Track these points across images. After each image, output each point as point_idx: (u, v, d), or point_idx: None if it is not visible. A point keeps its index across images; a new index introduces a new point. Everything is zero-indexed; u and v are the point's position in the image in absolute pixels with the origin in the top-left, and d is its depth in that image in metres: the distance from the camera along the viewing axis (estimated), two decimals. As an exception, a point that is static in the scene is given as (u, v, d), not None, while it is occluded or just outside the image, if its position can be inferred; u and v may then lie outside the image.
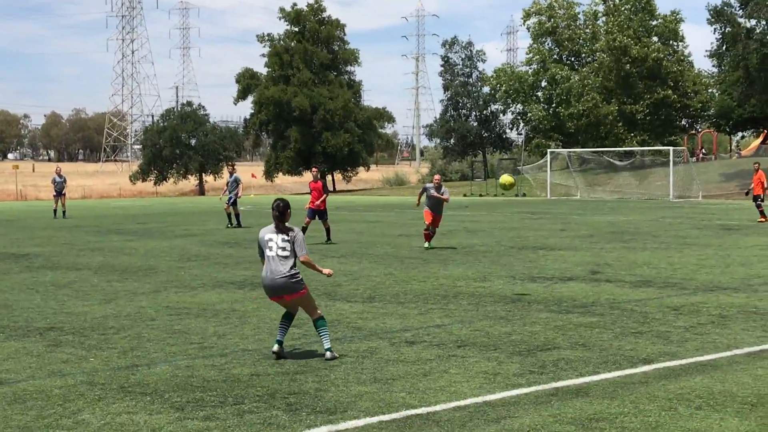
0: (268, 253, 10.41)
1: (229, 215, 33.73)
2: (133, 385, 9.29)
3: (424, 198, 24.66)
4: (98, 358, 10.65)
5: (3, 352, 11.08)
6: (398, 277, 18.04)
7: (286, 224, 10.55)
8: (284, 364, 10.21)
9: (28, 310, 14.32)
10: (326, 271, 10.87)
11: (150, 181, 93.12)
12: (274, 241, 10.43)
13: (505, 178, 25.39)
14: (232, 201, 33.67)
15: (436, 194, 23.92)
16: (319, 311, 10.59)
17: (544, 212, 43.56)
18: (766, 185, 35.04)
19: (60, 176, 42.18)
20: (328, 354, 10.33)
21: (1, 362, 10.49)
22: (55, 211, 41.32)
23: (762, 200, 35.06)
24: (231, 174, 35.10)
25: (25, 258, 22.71)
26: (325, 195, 26.96)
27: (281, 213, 10.49)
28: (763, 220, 33.82)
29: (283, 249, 10.36)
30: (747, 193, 36.18)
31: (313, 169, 29.30)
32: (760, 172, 35.15)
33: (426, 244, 24.02)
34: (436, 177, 26.07)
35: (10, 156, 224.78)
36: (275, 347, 10.50)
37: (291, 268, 10.31)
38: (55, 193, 42.02)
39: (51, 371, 9.97)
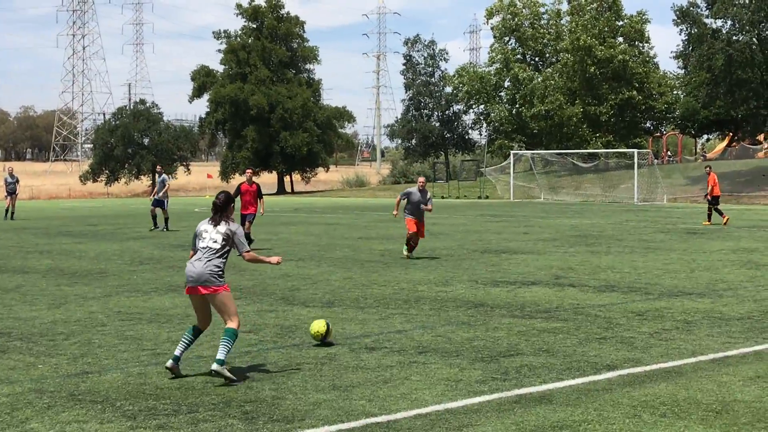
0: (199, 244, 10.08)
1: (154, 217, 33.34)
2: (84, 393, 9.21)
3: (404, 203, 22.63)
4: (47, 365, 10.55)
5: (-53, 358, 10.97)
6: (358, 281, 18.02)
7: (229, 220, 10.24)
8: (241, 369, 10.16)
9: (-26, 315, 14.19)
10: (274, 259, 10.68)
11: (101, 181, 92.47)
12: (208, 232, 10.11)
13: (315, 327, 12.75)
14: (157, 203, 33.29)
15: (423, 204, 22.20)
16: (234, 323, 9.90)
17: (507, 215, 43.73)
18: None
19: (12, 176, 41.80)
20: (214, 365, 9.58)
21: (-55, 369, 10.39)
22: (6, 210, 40.87)
23: (717, 202, 36.42)
24: (159, 174, 34.78)
25: (-30, 261, 22.49)
26: (260, 200, 24.88)
27: (222, 204, 10.16)
28: (713, 221, 35.17)
29: (215, 241, 10.00)
30: (705, 197, 37.05)
31: (248, 171, 27.40)
32: (712, 175, 36.50)
33: (406, 252, 22.41)
34: (421, 179, 23.27)
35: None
36: (169, 363, 9.94)
37: (218, 263, 9.93)
38: (6, 194, 41.64)
39: (-3, 379, 9.88)
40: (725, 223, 34.62)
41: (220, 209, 10.17)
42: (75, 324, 13.31)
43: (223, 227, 10.09)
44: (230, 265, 20.93)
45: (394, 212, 23.43)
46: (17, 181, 42.74)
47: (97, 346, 11.69)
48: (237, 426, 8.03)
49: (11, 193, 41.42)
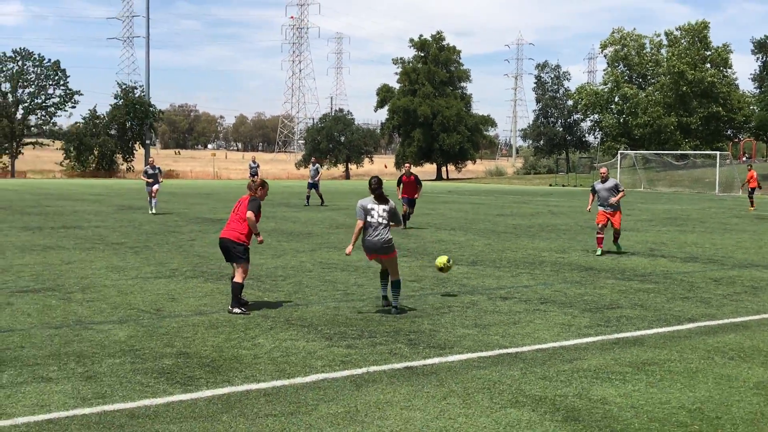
0: (370, 219, 10.02)
1: (308, 197, 32.85)
2: (295, 319, 9.53)
3: (595, 199, 17.54)
4: (270, 298, 10.95)
5: (202, 290, 11.49)
6: (495, 247, 17.95)
7: (387, 197, 10.27)
8: (406, 309, 10.29)
9: (220, 260, 14.70)
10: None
11: (310, 167, 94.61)
12: (375, 210, 10.07)
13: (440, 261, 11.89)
14: (311, 186, 32.62)
15: (612, 195, 17.03)
16: (398, 275, 10.18)
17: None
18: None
19: (254, 162, 42.89)
20: (393, 310, 9.98)
21: (201, 298, 10.89)
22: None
23: (753, 193, 36.29)
24: (314, 164, 33.49)
25: (219, 222, 23.35)
26: (419, 188, 22.48)
27: (379, 186, 10.21)
28: (751, 209, 34.67)
29: (383, 218, 10.04)
30: (741, 186, 36.57)
31: (406, 165, 24.45)
32: (752, 171, 36.61)
33: (599, 250, 17.05)
34: (603, 170, 17.70)
35: (209, 146, 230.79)
36: (383, 302, 10.40)
37: (388, 233, 10.03)
38: (250, 176, 42.68)
39: (235, 307, 10.30)
40: (751, 209, 34.31)
41: (380, 189, 10.21)
42: (290, 270, 13.73)
43: (386, 205, 10.13)
44: (397, 232, 21.23)
45: (588, 207, 18.45)
46: (258, 166, 43.71)
47: (305, 286, 12.05)
48: (403, 349, 8.17)
49: (253, 175, 42.37)
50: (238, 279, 9.93)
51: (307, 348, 8.12)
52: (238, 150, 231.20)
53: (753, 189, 36.13)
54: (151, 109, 76.93)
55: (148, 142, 77.56)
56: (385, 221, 10.06)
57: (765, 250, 18.22)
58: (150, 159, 28.49)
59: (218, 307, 10.26)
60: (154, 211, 24.91)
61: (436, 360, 7.74)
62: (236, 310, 9.80)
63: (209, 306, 10.31)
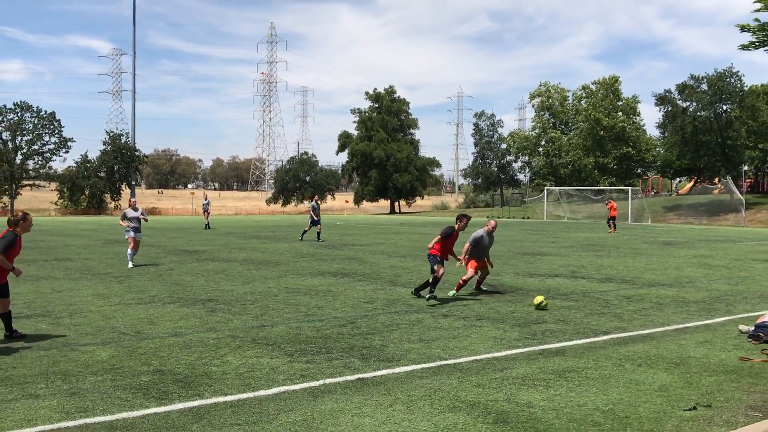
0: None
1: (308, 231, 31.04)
2: (261, 339, 9.42)
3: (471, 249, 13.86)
4: (239, 320, 10.81)
5: (178, 314, 11.31)
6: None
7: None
8: (360, 327, 10.23)
9: (196, 287, 14.58)
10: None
11: (279, 203, 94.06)
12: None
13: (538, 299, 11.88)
14: (313, 223, 29.98)
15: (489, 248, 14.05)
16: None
17: (541, 230, 43.03)
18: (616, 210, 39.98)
19: (206, 199, 42.09)
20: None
21: (177, 321, 10.71)
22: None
23: (613, 220, 39.19)
24: (314, 201, 31.12)
25: (195, 253, 23.11)
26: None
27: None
28: (612, 231, 38.22)
29: None
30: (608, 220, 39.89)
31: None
32: (612, 203, 39.96)
33: (453, 292, 13.59)
34: (492, 222, 14.32)
35: (189, 186, 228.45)
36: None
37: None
38: (203, 211, 41.96)
39: (208, 328, 10.14)
40: (610, 232, 37.88)
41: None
42: (258, 294, 13.58)
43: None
44: (353, 257, 21.19)
45: (460, 262, 13.74)
46: (209, 203, 42.93)
47: (271, 308, 11.92)
48: (356, 362, 8.11)
49: (205, 211, 42.07)
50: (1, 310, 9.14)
51: (271, 364, 8.02)
52: (215, 189, 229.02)
53: (613, 217, 39.26)
54: (136, 153, 76.05)
55: (133, 183, 76.66)
56: None
57: (669, 272, 18.54)
58: (132, 200, 19.60)
59: (192, 329, 10.10)
60: (131, 265, 18.29)
61: (384, 372, 7.70)
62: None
63: (184, 328, 10.14)
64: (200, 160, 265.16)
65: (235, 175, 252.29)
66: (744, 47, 55.67)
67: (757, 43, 54.94)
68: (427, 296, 12.61)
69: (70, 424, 5.94)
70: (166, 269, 18.01)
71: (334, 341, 9.26)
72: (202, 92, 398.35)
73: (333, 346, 8.93)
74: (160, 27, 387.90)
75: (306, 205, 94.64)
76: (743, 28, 54.36)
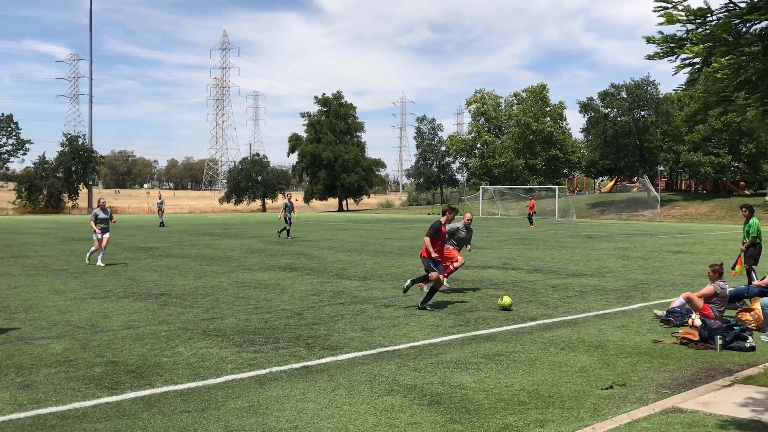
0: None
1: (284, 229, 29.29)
2: (211, 331, 9.29)
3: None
4: (190, 314, 10.64)
5: (132, 308, 11.06)
6: (383, 265, 18.02)
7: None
8: (306, 318, 10.18)
9: (149, 282, 14.29)
10: None
11: (232, 202, 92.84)
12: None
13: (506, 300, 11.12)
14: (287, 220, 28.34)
15: (468, 242, 13.68)
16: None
17: (477, 225, 43.52)
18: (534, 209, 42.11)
19: (160, 198, 41.54)
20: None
21: (130, 315, 10.47)
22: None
23: (532, 216, 41.42)
24: (288, 199, 29.50)
25: (150, 250, 22.65)
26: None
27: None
28: (533, 227, 39.37)
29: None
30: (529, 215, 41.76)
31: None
32: (532, 200, 42.37)
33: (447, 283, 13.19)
34: (468, 215, 13.98)
35: (145, 186, 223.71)
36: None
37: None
38: (157, 210, 41.67)
39: (161, 321, 9.95)
40: (532, 227, 39.07)
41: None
42: (209, 289, 13.39)
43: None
44: (301, 253, 21.08)
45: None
46: (163, 202, 42.40)
47: (222, 302, 11.77)
48: (302, 351, 8.07)
49: (160, 210, 41.55)
50: None
51: (220, 354, 7.92)
52: (170, 189, 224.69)
53: (532, 213, 41.15)
54: (93, 154, 74.07)
55: (90, 183, 74.71)
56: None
57: (591, 263, 18.97)
58: (101, 200, 19.00)
59: (145, 322, 9.89)
60: (101, 264, 17.38)
61: (328, 359, 7.67)
62: None
63: (137, 321, 9.92)
64: (155, 161, 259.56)
65: (189, 175, 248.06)
66: (650, 57, 56.97)
67: (661, 54, 56.49)
68: (420, 303, 11.10)
69: (22, 415, 5.75)
70: (121, 265, 17.60)
71: (281, 332, 9.19)
72: (158, 96, 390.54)
73: (280, 337, 8.86)
74: (117, 34, 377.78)
75: (257, 203, 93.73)
76: (649, 40, 55.75)
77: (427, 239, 11.04)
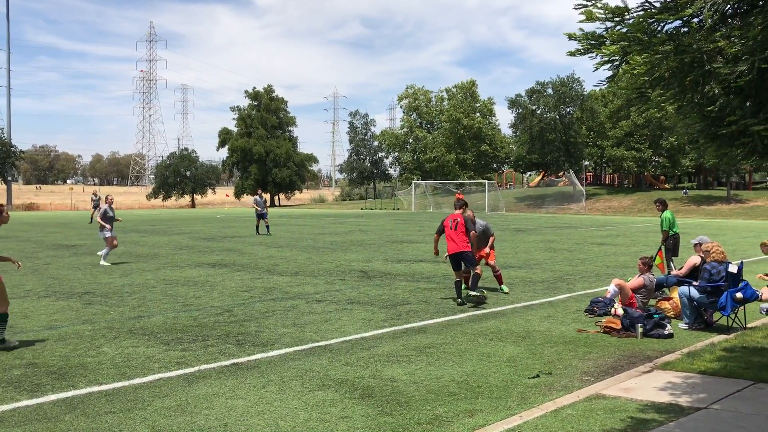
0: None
1: (257, 226, 28.33)
2: (138, 329, 9.05)
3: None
4: (116, 312, 10.34)
5: (53, 308, 10.67)
6: (314, 260, 17.95)
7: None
8: (236, 315, 10.04)
9: (73, 280, 13.82)
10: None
11: (159, 198, 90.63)
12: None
13: None
14: (260, 215, 27.67)
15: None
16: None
17: (409, 220, 43.89)
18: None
19: (95, 195, 40.52)
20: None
21: (52, 314, 10.11)
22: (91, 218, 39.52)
23: None
24: (261, 196, 28.37)
25: (73, 247, 21.90)
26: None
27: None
28: None
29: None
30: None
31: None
32: (460, 194, 40.72)
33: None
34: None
35: (68, 182, 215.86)
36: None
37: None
38: (93, 207, 40.51)
39: (84, 320, 9.64)
40: None
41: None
42: (136, 286, 13.06)
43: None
44: (231, 249, 20.78)
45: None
46: (99, 198, 41.35)
47: (149, 300, 11.49)
48: (231, 348, 7.95)
49: (95, 207, 40.22)
50: None
51: (147, 353, 7.72)
52: (95, 184, 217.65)
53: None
54: (12, 149, 71.01)
55: (9, 178, 71.60)
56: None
57: (519, 255, 19.40)
58: (109, 197, 18.38)
59: (68, 322, 9.55)
60: (107, 263, 16.78)
61: (258, 356, 7.59)
62: None
63: (59, 321, 9.57)
64: (80, 156, 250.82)
65: (115, 171, 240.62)
66: (572, 54, 58.72)
67: (582, 50, 58.29)
68: (471, 290, 10.90)
69: (-66, 422, 5.47)
70: (42, 264, 16.94)
71: (210, 329, 9.03)
72: (82, 89, 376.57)
73: (209, 334, 8.71)
74: (38, 24, 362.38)
75: (186, 199, 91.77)
76: (570, 37, 57.44)
77: (474, 234, 11.42)
